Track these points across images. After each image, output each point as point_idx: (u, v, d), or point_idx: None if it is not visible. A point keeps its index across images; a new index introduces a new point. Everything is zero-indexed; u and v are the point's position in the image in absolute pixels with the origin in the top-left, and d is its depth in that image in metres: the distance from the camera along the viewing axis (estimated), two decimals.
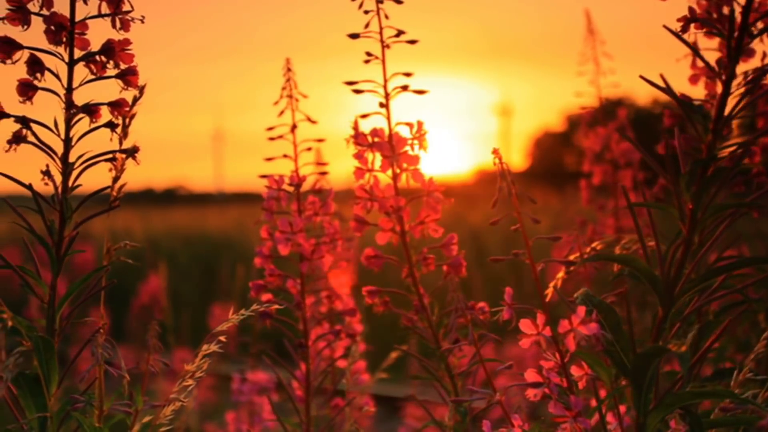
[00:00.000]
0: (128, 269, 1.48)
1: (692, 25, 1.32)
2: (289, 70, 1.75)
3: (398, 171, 1.60)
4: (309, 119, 1.75)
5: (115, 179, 1.40)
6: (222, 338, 1.39)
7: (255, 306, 1.38)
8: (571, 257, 1.53)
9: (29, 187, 1.34)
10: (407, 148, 1.57)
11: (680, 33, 1.22)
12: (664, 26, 1.20)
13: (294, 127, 1.74)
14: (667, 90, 1.17)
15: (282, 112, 1.74)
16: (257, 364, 2.68)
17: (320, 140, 1.75)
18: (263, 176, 1.73)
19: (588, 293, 1.39)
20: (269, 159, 1.76)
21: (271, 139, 1.74)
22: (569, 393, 1.28)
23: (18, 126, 1.37)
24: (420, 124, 1.58)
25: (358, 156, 1.60)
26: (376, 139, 1.58)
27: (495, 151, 1.25)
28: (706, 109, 1.28)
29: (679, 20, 1.24)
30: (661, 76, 1.17)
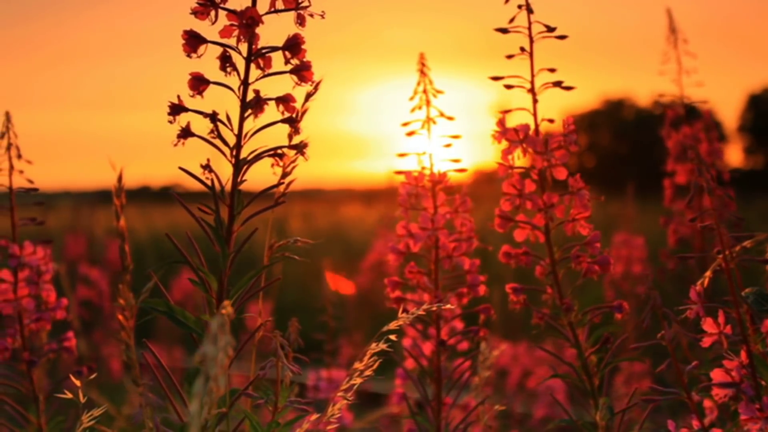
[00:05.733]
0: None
1: None
2: (423, 65, 1.74)
3: (544, 168, 1.59)
4: (443, 115, 1.73)
5: (284, 175, 1.39)
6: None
7: (453, 304, 1.36)
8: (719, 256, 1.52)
9: (211, 186, 1.33)
10: (559, 144, 1.56)
11: None
12: None
13: (429, 122, 1.73)
14: None
15: (420, 107, 1.73)
16: (332, 362, 2.67)
17: (456, 137, 1.73)
18: (399, 172, 1.71)
19: (761, 291, 1.37)
20: (402, 155, 1.74)
21: (409, 134, 1.73)
22: (760, 394, 1.27)
23: (187, 120, 1.35)
24: (569, 120, 1.57)
25: (505, 152, 1.59)
26: (527, 135, 1.56)
27: (690, 150, 1.24)
28: None
29: None
30: None
